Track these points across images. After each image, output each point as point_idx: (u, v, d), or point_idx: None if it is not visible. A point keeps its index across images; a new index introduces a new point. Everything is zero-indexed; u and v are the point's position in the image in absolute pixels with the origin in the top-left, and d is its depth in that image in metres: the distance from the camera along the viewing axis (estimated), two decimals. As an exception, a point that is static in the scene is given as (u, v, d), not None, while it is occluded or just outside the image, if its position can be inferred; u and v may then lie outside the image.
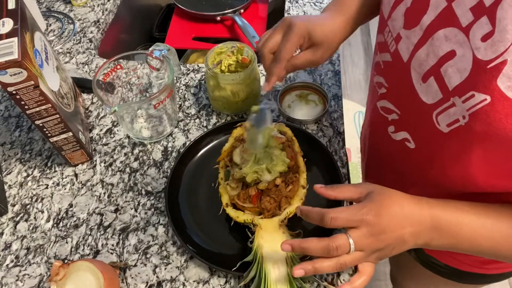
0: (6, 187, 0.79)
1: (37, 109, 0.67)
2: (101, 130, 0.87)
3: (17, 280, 0.67)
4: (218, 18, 1.15)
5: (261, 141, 0.63)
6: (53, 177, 0.80)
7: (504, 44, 0.38)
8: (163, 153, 0.82)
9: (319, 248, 0.48)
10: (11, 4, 0.66)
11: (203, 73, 0.95)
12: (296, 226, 0.65)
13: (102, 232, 0.72)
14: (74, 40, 1.05)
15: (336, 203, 0.67)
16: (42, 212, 0.75)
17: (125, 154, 0.82)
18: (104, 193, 0.77)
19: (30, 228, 0.73)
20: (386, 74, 0.57)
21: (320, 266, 0.48)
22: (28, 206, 0.76)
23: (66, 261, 0.69)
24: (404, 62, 0.50)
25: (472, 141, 0.45)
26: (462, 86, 0.42)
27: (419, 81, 0.48)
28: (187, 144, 0.80)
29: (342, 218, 0.47)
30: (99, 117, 0.89)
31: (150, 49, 0.81)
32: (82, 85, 0.92)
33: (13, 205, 0.76)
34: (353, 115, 1.90)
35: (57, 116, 0.69)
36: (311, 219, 0.50)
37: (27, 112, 0.67)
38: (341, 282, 0.64)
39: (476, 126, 0.42)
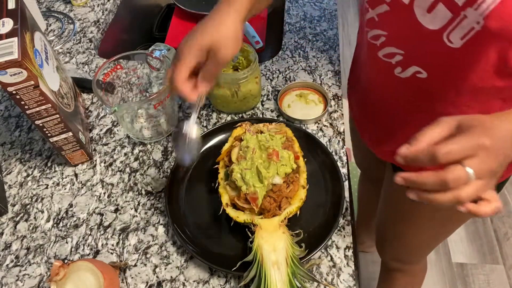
0: (6, 187, 0.79)
1: (37, 109, 0.67)
2: (101, 130, 0.87)
3: (17, 280, 0.67)
4: (218, 18, 1.15)
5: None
6: (53, 177, 0.80)
7: None
8: (163, 153, 0.82)
9: (437, 182, 0.44)
10: (11, 4, 0.66)
11: (203, 73, 0.95)
12: (296, 226, 0.66)
13: (102, 232, 0.72)
14: (74, 40, 1.05)
15: (337, 201, 0.68)
16: (42, 212, 0.75)
17: (125, 154, 0.82)
18: (104, 193, 0.77)
19: (30, 228, 0.73)
20: (384, 24, 0.60)
21: (434, 198, 0.45)
22: (28, 206, 0.76)
23: (66, 261, 0.69)
24: (406, 4, 0.54)
25: (488, 43, 0.49)
26: None
27: (424, 13, 0.52)
28: (187, 144, 0.80)
29: (457, 149, 0.43)
30: (99, 117, 0.89)
31: (150, 49, 0.81)
32: (82, 85, 0.92)
33: (13, 205, 0.76)
34: (353, 115, 1.89)
35: (57, 116, 0.70)
36: (420, 162, 0.44)
37: (27, 112, 0.67)
38: (341, 282, 0.64)
39: (491, 25, 0.46)
